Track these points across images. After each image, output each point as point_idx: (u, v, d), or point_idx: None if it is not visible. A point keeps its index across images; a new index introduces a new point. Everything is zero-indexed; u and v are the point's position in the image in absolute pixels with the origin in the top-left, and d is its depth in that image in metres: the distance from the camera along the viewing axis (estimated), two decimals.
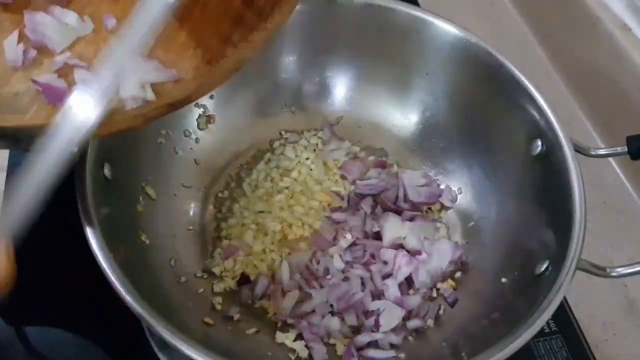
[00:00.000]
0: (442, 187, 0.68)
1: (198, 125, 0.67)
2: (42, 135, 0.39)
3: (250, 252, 0.62)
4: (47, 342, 0.57)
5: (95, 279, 0.45)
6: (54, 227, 0.63)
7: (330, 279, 0.60)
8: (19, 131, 0.40)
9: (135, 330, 0.54)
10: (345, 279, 0.60)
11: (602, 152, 0.60)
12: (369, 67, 0.70)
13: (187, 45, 0.45)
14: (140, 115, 0.42)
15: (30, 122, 0.40)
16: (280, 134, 0.72)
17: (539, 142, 0.58)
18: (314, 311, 0.58)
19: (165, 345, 0.44)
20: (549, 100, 0.59)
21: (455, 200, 0.67)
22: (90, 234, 0.47)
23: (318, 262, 0.62)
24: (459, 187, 0.68)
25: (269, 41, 0.47)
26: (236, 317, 0.58)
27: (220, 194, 0.67)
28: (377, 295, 0.60)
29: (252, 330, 0.57)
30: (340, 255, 0.62)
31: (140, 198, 0.58)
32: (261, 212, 0.65)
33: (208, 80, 0.44)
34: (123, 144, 0.55)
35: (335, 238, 0.64)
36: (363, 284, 0.60)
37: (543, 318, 0.47)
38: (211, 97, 0.67)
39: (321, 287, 0.60)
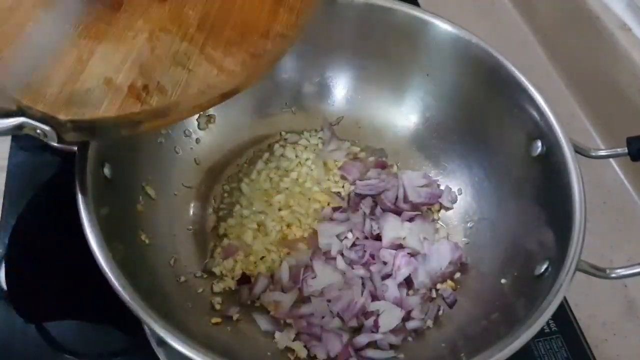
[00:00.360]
0: (442, 187, 0.68)
1: (198, 125, 0.67)
2: (113, 126, 0.44)
3: (250, 252, 0.62)
4: (54, 338, 0.59)
5: (96, 276, 0.45)
6: (54, 227, 0.63)
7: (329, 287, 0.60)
8: (94, 123, 0.43)
9: (133, 325, 0.54)
10: (345, 283, 0.60)
11: (602, 153, 0.60)
12: (369, 67, 0.70)
13: (232, 41, 0.50)
14: (197, 106, 0.47)
15: (105, 114, 0.43)
16: (280, 134, 0.72)
17: (539, 143, 0.58)
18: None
19: (163, 341, 0.44)
20: (549, 101, 0.59)
21: (455, 201, 0.67)
22: (90, 233, 0.47)
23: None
24: (459, 187, 0.68)
25: (301, 35, 0.53)
26: (236, 317, 0.58)
27: (220, 194, 0.67)
28: (377, 295, 0.60)
29: (252, 330, 0.57)
30: (340, 255, 0.62)
31: (140, 198, 0.58)
32: (261, 212, 0.65)
33: (254, 72, 0.50)
34: (123, 143, 0.55)
35: None
36: (363, 284, 0.60)
37: (542, 319, 0.47)
38: None
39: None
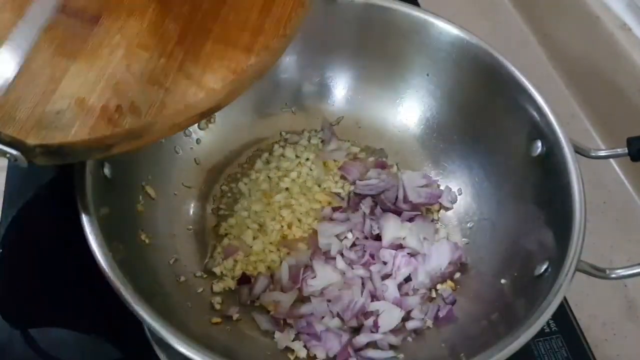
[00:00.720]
0: (441, 187, 0.68)
1: (198, 125, 0.67)
2: (85, 150, 0.42)
3: (250, 252, 0.62)
4: (51, 342, 0.58)
5: (96, 277, 0.45)
6: (54, 227, 0.63)
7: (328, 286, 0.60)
8: (63, 147, 0.42)
9: (134, 327, 0.54)
10: (345, 283, 0.60)
11: (602, 153, 0.60)
12: (369, 67, 0.70)
13: (213, 56, 0.48)
14: (175, 126, 0.45)
15: (75, 139, 0.42)
16: (280, 134, 0.72)
17: (539, 143, 0.58)
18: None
19: (164, 344, 0.44)
20: (549, 101, 0.59)
21: (455, 201, 0.67)
22: (89, 233, 0.47)
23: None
24: (459, 187, 0.68)
25: (288, 47, 0.51)
26: (235, 317, 0.58)
27: (220, 194, 0.67)
28: (377, 295, 0.60)
29: (252, 330, 0.57)
30: (340, 255, 0.62)
31: (140, 197, 0.58)
32: (261, 212, 0.65)
33: (235, 88, 0.47)
34: None
35: None
36: (363, 284, 0.60)
37: (542, 319, 0.47)
38: None
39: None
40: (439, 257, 0.61)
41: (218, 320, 0.57)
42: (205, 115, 0.47)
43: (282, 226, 0.65)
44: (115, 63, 0.45)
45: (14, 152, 0.41)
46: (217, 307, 0.58)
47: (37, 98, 0.43)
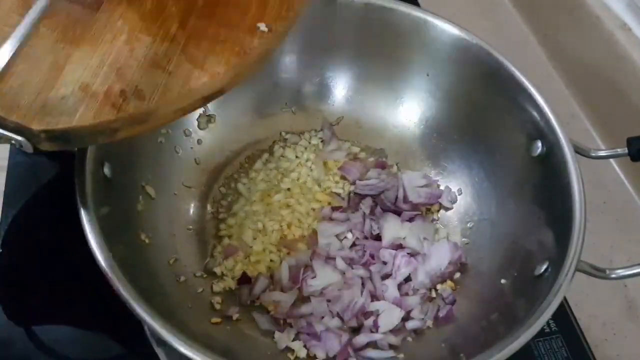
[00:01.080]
0: (441, 187, 0.68)
1: (198, 125, 0.67)
2: (89, 135, 0.42)
3: (250, 252, 0.62)
4: (54, 338, 0.58)
5: (96, 277, 0.45)
6: (54, 227, 0.63)
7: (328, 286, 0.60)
8: (68, 132, 0.42)
9: (134, 327, 0.54)
10: (345, 283, 0.60)
11: (602, 153, 0.60)
12: (369, 67, 0.70)
13: (216, 38, 0.47)
14: (179, 110, 0.45)
15: (79, 124, 0.42)
16: (280, 134, 0.72)
17: (539, 143, 0.58)
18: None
19: (163, 341, 0.44)
20: (549, 101, 0.59)
21: (455, 201, 0.67)
22: (89, 233, 0.47)
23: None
24: (459, 187, 0.68)
25: (291, 30, 0.50)
26: (236, 317, 0.58)
27: (220, 194, 0.67)
28: (377, 295, 0.60)
29: (252, 330, 0.57)
30: (340, 255, 0.62)
31: (140, 197, 0.58)
32: (261, 212, 0.65)
33: (239, 72, 0.47)
34: (123, 143, 0.55)
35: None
36: (363, 284, 0.60)
37: (542, 320, 0.47)
38: None
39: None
40: (439, 257, 0.61)
41: (218, 320, 0.57)
42: (209, 100, 0.46)
43: (282, 226, 0.65)
44: (118, 48, 0.45)
45: (19, 138, 0.41)
46: (217, 307, 0.58)
47: (40, 84, 0.43)
